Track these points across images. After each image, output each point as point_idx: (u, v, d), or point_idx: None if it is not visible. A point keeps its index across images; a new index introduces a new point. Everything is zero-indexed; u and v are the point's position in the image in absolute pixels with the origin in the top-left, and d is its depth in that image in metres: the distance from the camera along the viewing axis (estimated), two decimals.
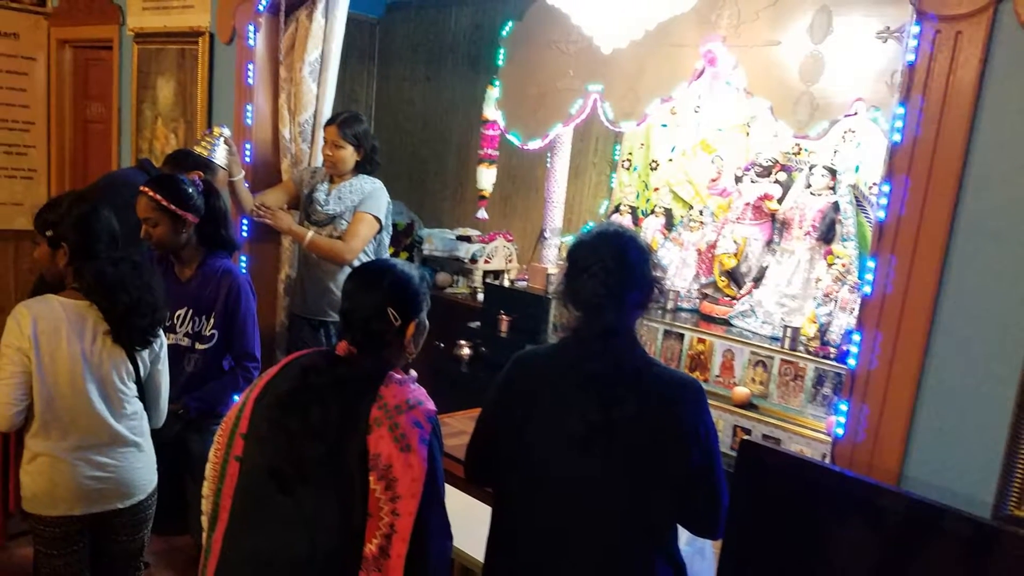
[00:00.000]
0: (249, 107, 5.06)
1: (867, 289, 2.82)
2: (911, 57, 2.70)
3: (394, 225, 5.39)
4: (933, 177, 2.64)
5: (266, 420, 2.24)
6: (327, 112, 5.00)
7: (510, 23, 5.29)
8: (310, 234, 4.47)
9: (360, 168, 4.61)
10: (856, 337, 2.86)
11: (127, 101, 6.20)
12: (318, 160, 4.94)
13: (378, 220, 4.54)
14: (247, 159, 5.00)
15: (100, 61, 6.69)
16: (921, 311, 2.68)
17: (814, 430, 3.87)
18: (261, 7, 4.91)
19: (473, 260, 6.21)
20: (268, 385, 2.31)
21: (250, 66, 5.02)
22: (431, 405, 2.22)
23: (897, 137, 2.73)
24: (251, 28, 4.98)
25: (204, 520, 2.33)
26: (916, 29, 2.68)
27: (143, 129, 6.06)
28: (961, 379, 2.64)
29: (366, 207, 4.50)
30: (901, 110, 2.72)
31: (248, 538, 2.22)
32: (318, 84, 5.00)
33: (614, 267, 2.27)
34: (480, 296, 5.89)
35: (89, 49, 6.78)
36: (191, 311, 3.71)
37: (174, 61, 5.73)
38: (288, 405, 2.21)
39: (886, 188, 2.76)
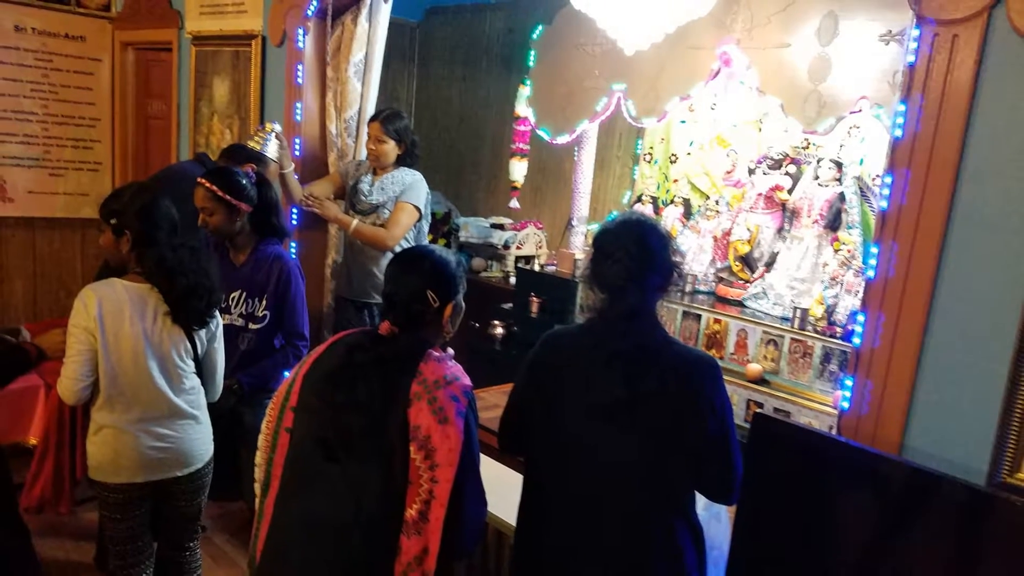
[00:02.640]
0: (298, 105, 5.09)
1: (871, 273, 2.83)
2: (911, 58, 2.70)
3: (433, 214, 5.41)
4: (932, 169, 2.65)
5: (314, 394, 2.26)
6: (371, 109, 5.03)
7: (540, 27, 5.28)
8: (355, 222, 4.51)
9: (401, 161, 4.63)
10: (860, 318, 2.87)
11: (185, 99, 6.24)
12: (362, 154, 4.97)
13: (418, 209, 4.56)
14: (296, 153, 5.04)
15: (160, 62, 6.73)
16: (921, 294, 2.69)
17: (821, 404, 3.87)
18: (309, 12, 4.93)
19: (506, 246, 6.23)
20: (316, 362, 2.33)
21: (299, 67, 5.06)
22: (467, 380, 2.24)
23: (898, 132, 2.73)
24: (300, 32, 5.01)
25: (257, 487, 2.37)
26: (916, 32, 2.68)
27: (200, 125, 6.11)
28: (958, 356, 2.65)
29: (407, 197, 4.53)
30: (902, 107, 2.73)
31: (297, 503, 2.24)
32: (362, 83, 5.03)
33: (636, 253, 2.29)
34: (512, 280, 5.90)
35: (150, 51, 6.80)
36: (245, 293, 3.75)
37: (229, 62, 5.77)
38: (335, 380, 2.23)
39: (888, 180, 2.76)
